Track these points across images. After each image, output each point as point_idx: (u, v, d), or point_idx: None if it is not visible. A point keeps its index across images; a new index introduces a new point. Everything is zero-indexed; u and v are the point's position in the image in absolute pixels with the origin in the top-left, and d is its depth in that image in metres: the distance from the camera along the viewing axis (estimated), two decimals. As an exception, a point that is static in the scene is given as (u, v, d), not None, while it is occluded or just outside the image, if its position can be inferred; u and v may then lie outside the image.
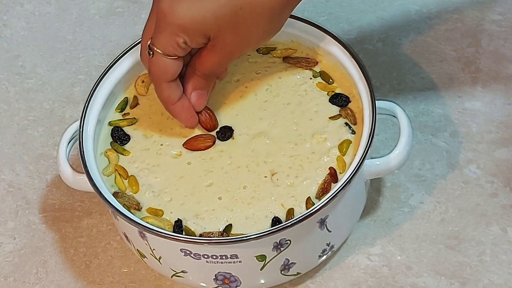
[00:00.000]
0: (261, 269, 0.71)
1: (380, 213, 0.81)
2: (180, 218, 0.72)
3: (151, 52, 0.72)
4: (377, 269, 0.78)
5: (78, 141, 0.74)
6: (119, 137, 0.77)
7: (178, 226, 0.71)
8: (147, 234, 0.71)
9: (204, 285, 0.74)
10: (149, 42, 0.72)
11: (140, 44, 0.75)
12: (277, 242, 0.70)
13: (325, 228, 0.72)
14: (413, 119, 0.86)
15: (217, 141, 0.76)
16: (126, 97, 0.80)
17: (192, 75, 0.75)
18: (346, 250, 0.79)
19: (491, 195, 0.81)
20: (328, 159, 0.73)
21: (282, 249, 0.70)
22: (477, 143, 0.84)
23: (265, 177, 0.73)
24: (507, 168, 0.82)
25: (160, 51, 0.71)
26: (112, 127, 0.78)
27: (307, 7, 0.95)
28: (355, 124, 0.75)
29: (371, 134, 0.71)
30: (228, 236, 0.70)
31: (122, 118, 0.78)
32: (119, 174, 0.75)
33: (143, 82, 0.80)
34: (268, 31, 0.72)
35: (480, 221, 0.79)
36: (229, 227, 0.71)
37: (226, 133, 0.76)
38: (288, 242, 0.70)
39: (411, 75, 0.90)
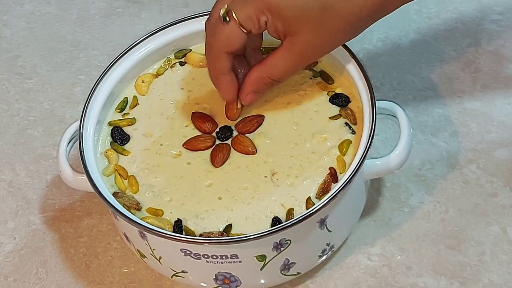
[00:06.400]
0: (261, 269, 0.71)
1: (380, 213, 0.81)
2: (180, 218, 0.72)
3: (228, 19, 0.69)
4: (377, 269, 0.78)
5: (78, 141, 0.74)
6: (119, 137, 0.77)
7: (178, 226, 0.71)
8: (147, 234, 0.71)
9: (204, 285, 0.74)
10: (226, 8, 0.70)
11: (210, 12, 0.72)
12: (277, 242, 0.70)
13: (325, 228, 0.72)
14: (413, 119, 0.86)
15: (217, 141, 0.76)
16: (126, 97, 0.80)
17: (257, 78, 0.73)
18: (346, 250, 0.79)
19: (491, 194, 0.81)
20: (328, 159, 0.73)
21: (282, 249, 0.70)
22: (477, 143, 0.84)
23: (265, 177, 0.73)
24: (507, 168, 0.82)
25: (238, 20, 0.69)
26: (112, 127, 0.78)
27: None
28: (355, 124, 0.75)
29: (371, 134, 0.71)
30: (228, 236, 0.70)
31: (122, 118, 0.78)
32: (119, 174, 0.75)
33: (143, 82, 0.80)
34: (346, 39, 0.71)
35: (480, 221, 0.79)
36: (229, 227, 0.71)
37: (226, 133, 0.76)
38: (288, 242, 0.70)
39: (411, 75, 0.90)
